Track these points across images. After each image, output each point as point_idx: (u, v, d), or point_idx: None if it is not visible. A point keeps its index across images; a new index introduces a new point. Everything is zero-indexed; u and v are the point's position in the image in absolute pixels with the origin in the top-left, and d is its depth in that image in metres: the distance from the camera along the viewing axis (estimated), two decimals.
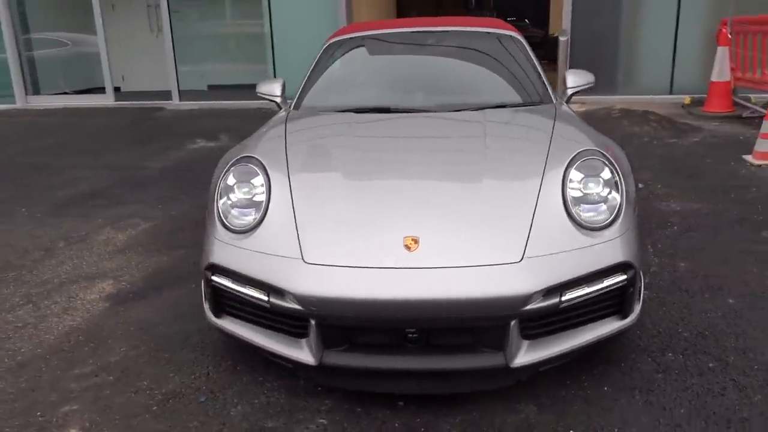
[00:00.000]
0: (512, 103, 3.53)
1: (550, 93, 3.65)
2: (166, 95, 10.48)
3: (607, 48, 9.05)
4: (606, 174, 2.67)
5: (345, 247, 2.42)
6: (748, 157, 5.63)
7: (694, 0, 8.66)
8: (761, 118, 7.09)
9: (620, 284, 2.46)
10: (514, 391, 2.49)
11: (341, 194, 2.64)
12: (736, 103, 7.56)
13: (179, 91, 10.40)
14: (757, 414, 2.36)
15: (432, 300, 2.25)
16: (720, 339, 2.85)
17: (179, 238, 4.37)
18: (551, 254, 2.37)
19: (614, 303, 2.51)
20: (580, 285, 2.38)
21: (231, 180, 2.80)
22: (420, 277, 2.30)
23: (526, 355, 2.35)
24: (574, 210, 2.54)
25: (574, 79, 3.79)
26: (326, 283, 2.33)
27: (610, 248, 2.48)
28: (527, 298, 2.27)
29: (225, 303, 2.65)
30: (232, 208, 2.72)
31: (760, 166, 5.43)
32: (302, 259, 2.41)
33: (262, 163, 2.81)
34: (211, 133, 7.83)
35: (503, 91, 3.66)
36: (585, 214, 2.55)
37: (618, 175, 2.68)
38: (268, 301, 2.42)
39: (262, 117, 8.76)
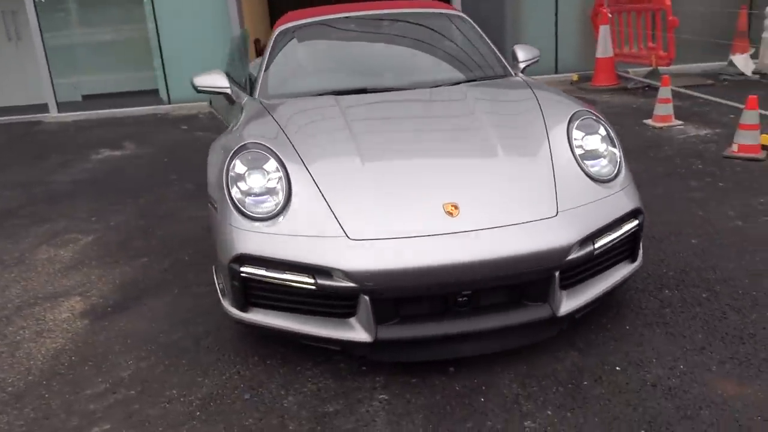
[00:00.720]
0: (480, 76, 3.66)
1: (508, 67, 3.83)
2: (40, 108, 9.59)
3: (494, 31, 9.49)
4: (602, 131, 2.87)
5: (387, 221, 2.42)
6: (649, 121, 6.21)
7: None
8: (645, 87, 7.89)
9: (634, 229, 2.66)
10: (551, 343, 2.61)
11: (365, 173, 2.61)
12: (620, 76, 8.28)
13: (57, 102, 9.56)
14: (761, 328, 2.66)
15: (484, 260, 2.31)
16: (701, 273, 3.17)
17: (134, 247, 4.08)
18: (579, 206, 2.52)
19: (628, 248, 2.72)
20: (606, 233, 2.55)
21: (240, 167, 2.67)
22: (469, 239, 2.35)
23: (567, 304, 2.48)
24: (584, 165, 2.71)
25: (524, 54, 4.00)
26: (378, 256, 2.31)
27: (624, 197, 2.68)
28: (569, 249, 2.40)
29: (256, 294, 2.54)
30: (246, 195, 2.61)
31: (661, 128, 6.01)
32: (347, 236, 2.37)
33: (269, 148, 2.72)
34: (113, 142, 7.30)
35: (467, 66, 3.78)
36: (592, 168, 2.72)
37: (611, 131, 2.89)
38: (315, 283, 2.35)
39: (159, 122, 8.43)
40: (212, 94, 3.82)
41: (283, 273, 2.42)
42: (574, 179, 2.63)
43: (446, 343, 2.43)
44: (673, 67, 8.01)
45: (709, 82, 7.80)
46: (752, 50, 8.20)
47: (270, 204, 2.56)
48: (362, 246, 2.35)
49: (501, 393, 2.36)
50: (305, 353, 2.67)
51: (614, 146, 2.83)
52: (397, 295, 2.36)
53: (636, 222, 2.66)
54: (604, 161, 2.78)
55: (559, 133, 2.83)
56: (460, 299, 2.41)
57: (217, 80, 3.70)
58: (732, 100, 6.66)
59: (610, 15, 8.00)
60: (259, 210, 2.55)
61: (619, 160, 2.79)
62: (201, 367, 2.66)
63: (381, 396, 2.39)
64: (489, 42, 4.01)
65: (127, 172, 5.91)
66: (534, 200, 2.51)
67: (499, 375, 2.46)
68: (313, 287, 2.37)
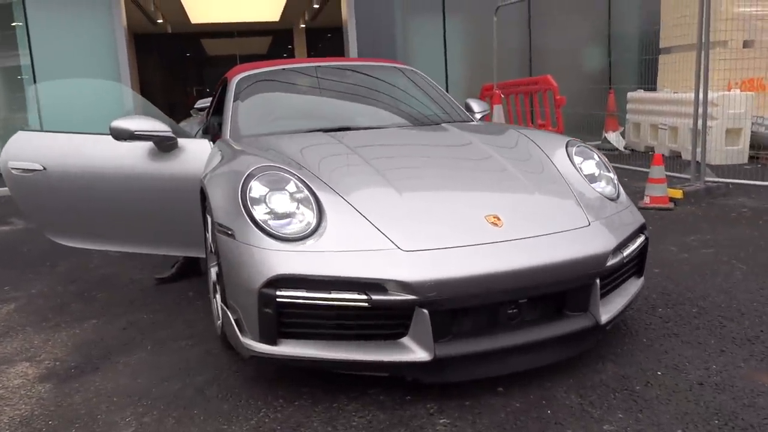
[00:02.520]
0: (447, 120, 3.76)
1: (467, 113, 3.99)
2: None
3: None
4: (596, 157, 3.05)
5: (435, 233, 2.34)
6: None
7: (457, 70, 10.16)
8: None
9: (644, 243, 2.79)
10: (582, 358, 2.59)
11: (400, 195, 2.53)
12: None
13: None
14: (760, 331, 2.84)
15: (538, 266, 2.30)
16: (680, 294, 3.36)
17: (75, 311, 3.56)
18: (605, 218, 2.61)
19: (638, 261, 2.83)
20: (628, 243, 2.65)
21: (259, 189, 2.48)
22: (521, 245, 2.33)
23: (605, 312, 2.51)
24: (591, 185, 2.84)
25: (477, 106, 4.21)
26: (438, 265, 2.21)
27: (632, 213, 2.82)
28: (608, 255, 2.45)
29: (290, 323, 2.29)
30: (269, 218, 2.41)
31: None
32: (398, 248, 2.25)
33: (288, 170, 2.56)
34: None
35: (432, 110, 3.87)
36: (597, 189, 2.86)
37: (602, 158, 3.07)
38: (369, 299, 2.18)
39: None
40: (147, 139, 3.35)
41: (328, 292, 2.22)
42: (589, 196, 2.74)
43: (500, 358, 2.34)
44: None
45: None
46: (621, 129, 9.28)
47: (299, 225, 2.38)
48: (418, 256, 2.24)
49: (564, 404, 2.28)
50: (334, 389, 2.43)
51: (608, 171, 3.01)
52: (457, 306, 2.25)
53: (644, 237, 2.80)
54: (603, 183, 2.93)
55: (561, 157, 2.96)
56: (510, 311, 2.35)
57: (153, 123, 3.33)
58: (628, 164, 7.40)
59: (503, 96, 8.71)
60: (288, 232, 2.36)
61: (615, 182, 2.96)
62: (221, 415, 2.31)
63: (442, 420, 2.21)
64: (444, 92, 4.18)
65: (27, 245, 5.26)
66: (566, 212, 2.57)
67: (551, 389, 2.39)
68: (366, 304, 2.19)
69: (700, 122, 6.04)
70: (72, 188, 3.52)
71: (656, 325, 2.96)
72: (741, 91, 7.80)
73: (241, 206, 2.44)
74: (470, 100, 4.28)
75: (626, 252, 2.61)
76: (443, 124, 3.59)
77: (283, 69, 4.02)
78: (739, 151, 7.64)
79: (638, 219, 2.81)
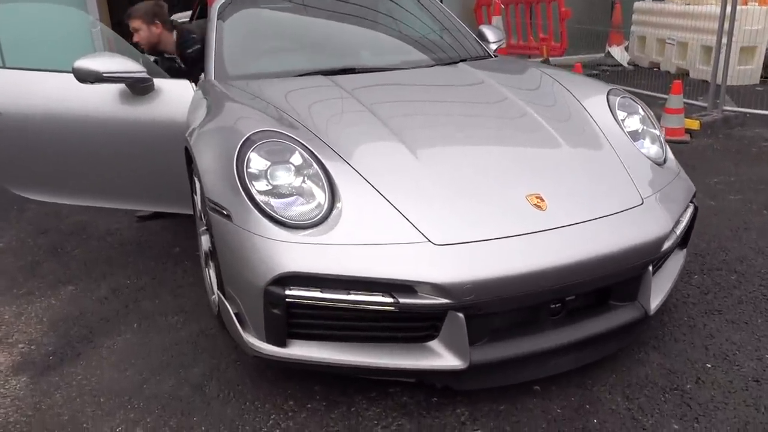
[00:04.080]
0: (464, 56, 3.31)
1: (484, 47, 3.53)
2: None
3: None
4: (641, 111, 2.66)
5: (471, 220, 1.98)
6: None
7: None
8: None
9: (694, 214, 2.47)
10: (622, 348, 2.34)
11: (422, 166, 2.15)
12: None
13: None
14: None
15: (590, 258, 1.97)
16: (714, 255, 3.09)
17: (48, 272, 3.21)
18: (658, 192, 2.27)
19: (687, 232, 2.53)
20: (680, 220, 2.33)
21: (258, 162, 2.08)
22: (570, 235, 1.99)
23: (654, 299, 2.23)
24: (638, 147, 2.47)
25: (492, 35, 3.74)
26: (476, 263, 1.88)
27: (685, 178, 2.49)
28: (665, 238, 2.14)
29: (301, 324, 1.98)
30: (270, 197, 2.03)
31: None
32: (430, 241, 1.90)
33: (290, 137, 2.16)
34: None
35: (447, 44, 3.40)
36: (643, 150, 2.50)
37: (648, 111, 2.69)
38: (396, 303, 1.86)
39: None
40: (118, 81, 2.86)
41: (347, 293, 1.89)
42: (638, 163, 2.38)
43: (540, 359, 2.06)
44: (558, 59, 8.28)
45: (595, 72, 8.17)
46: (626, 43, 8.74)
47: (308, 208, 2.01)
48: (453, 252, 1.89)
49: (610, 409, 2.04)
50: (349, 387, 2.16)
51: (654, 127, 2.64)
52: (499, 309, 1.94)
53: (693, 206, 2.48)
54: (648, 142, 2.56)
55: (601, 111, 2.58)
56: (553, 306, 2.05)
57: (124, 63, 2.81)
58: (636, 85, 6.97)
59: (503, 7, 8.07)
60: (294, 215, 1.99)
61: (662, 140, 2.60)
62: (223, 423, 2.04)
63: (476, 429, 1.97)
64: (458, 20, 3.69)
65: None
66: (615, 187, 2.22)
67: (593, 389, 2.14)
68: (393, 308, 1.87)
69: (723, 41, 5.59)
70: (34, 136, 3.07)
71: (695, 297, 2.71)
72: (759, 4, 7.26)
73: (238, 183, 2.05)
74: (484, 27, 3.80)
75: (679, 229, 2.29)
76: (461, 64, 3.13)
77: None
78: (752, 71, 7.23)
79: (690, 187, 2.48)
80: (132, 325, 2.67)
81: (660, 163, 2.46)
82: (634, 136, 2.54)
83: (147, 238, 3.59)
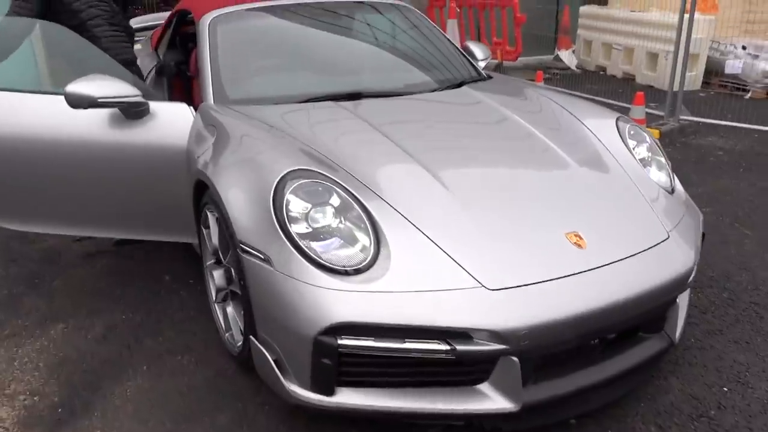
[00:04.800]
0: (461, 77, 3.30)
1: (476, 66, 3.54)
2: None
3: None
4: (648, 139, 2.74)
5: (518, 262, 1.99)
6: None
7: None
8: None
9: (702, 239, 2.58)
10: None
11: (460, 205, 2.14)
12: None
13: None
14: None
15: (631, 296, 2.02)
16: (700, 271, 3.25)
17: (30, 306, 3.00)
18: (679, 223, 2.35)
19: None
20: None
21: (298, 204, 2.02)
22: (613, 274, 2.03)
23: (678, 328, 2.31)
24: (652, 177, 2.55)
25: (480, 52, 3.76)
26: (531, 307, 1.89)
27: (693, 207, 2.59)
28: (692, 269, 2.22)
29: (351, 372, 1.93)
30: (311, 241, 1.98)
31: None
32: (483, 286, 1.90)
33: (327, 176, 2.10)
34: None
35: (442, 64, 3.38)
36: (655, 179, 2.58)
37: (654, 139, 2.78)
38: (452, 350, 1.85)
39: None
40: (113, 106, 2.67)
41: (402, 342, 1.86)
42: (655, 193, 2.46)
43: (581, 395, 2.10)
44: (512, 63, 8.44)
45: (546, 76, 8.37)
46: (574, 47, 9.00)
47: (351, 251, 1.96)
48: (507, 297, 1.89)
49: None
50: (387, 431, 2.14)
51: (660, 154, 2.72)
52: (550, 350, 1.96)
53: (702, 232, 2.58)
54: (655, 169, 2.64)
55: (615, 143, 2.64)
56: (593, 342, 2.09)
57: (120, 86, 2.65)
58: (583, 91, 7.19)
59: (458, 10, 8.12)
60: (339, 260, 1.94)
61: (669, 168, 2.69)
62: None
63: None
64: (443, 34, 3.69)
65: None
66: (640, 220, 2.28)
67: (625, 418, 2.20)
68: (449, 356, 1.86)
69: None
70: (20, 161, 2.85)
71: (695, 317, 2.83)
72: (701, 12, 7.62)
73: (278, 227, 1.98)
74: (471, 44, 3.82)
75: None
76: (465, 88, 3.12)
77: (264, 8, 3.35)
78: (694, 77, 7.60)
79: (698, 213, 2.58)
80: (140, 367, 2.53)
81: (670, 191, 2.55)
82: (644, 164, 2.62)
83: (131, 265, 3.41)
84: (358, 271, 1.92)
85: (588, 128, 2.71)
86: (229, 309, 2.47)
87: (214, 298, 2.63)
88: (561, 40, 8.87)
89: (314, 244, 1.97)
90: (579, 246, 2.07)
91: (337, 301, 1.87)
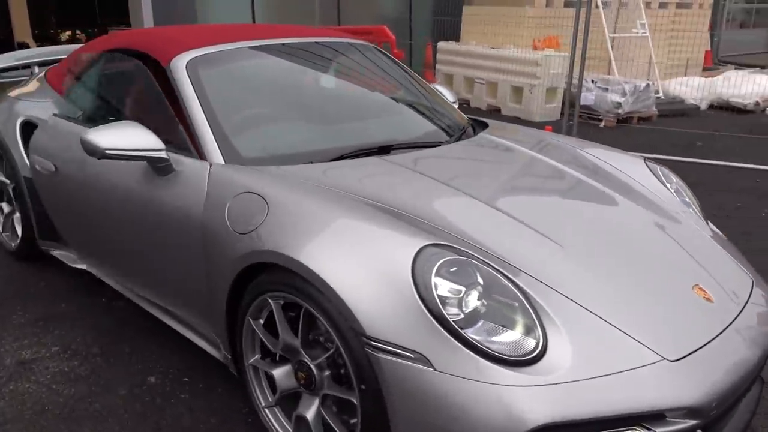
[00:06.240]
0: (465, 125, 3.10)
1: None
2: None
3: None
4: (673, 177, 2.82)
5: (677, 324, 1.89)
6: None
7: (266, 15, 8.99)
8: None
9: None
10: None
11: (585, 266, 2.00)
12: None
13: None
14: None
15: (765, 345, 2.01)
16: None
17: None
18: (745, 265, 2.39)
19: None
20: None
21: (448, 286, 1.72)
22: (743, 326, 2.01)
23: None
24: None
25: (450, 96, 3.68)
26: (711, 374, 1.79)
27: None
28: None
29: None
30: (469, 328, 1.69)
31: None
32: (665, 359, 1.75)
33: (461, 250, 1.82)
34: None
35: (436, 110, 3.18)
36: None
37: (678, 178, 2.85)
38: None
39: None
40: (126, 159, 2.38)
41: None
42: (710, 233, 2.51)
43: None
44: None
45: None
46: (437, 81, 9.31)
47: (513, 337, 1.71)
48: (689, 366, 1.77)
49: None
50: None
51: (686, 193, 2.79)
52: (723, 413, 1.86)
53: None
54: (696, 209, 2.70)
55: (656, 186, 2.67)
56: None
57: (148, 139, 2.34)
58: None
59: None
60: (507, 349, 1.68)
61: (700, 208, 2.76)
62: None
63: None
64: (422, 79, 3.53)
65: None
66: (727, 265, 2.29)
67: None
68: None
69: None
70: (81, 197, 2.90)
71: None
72: (536, 49, 8.31)
73: (431, 317, 1.67)
74: (438, 87, 3.69)
75: None
76: (484, 134, 2.94)
77: (242, 49, 2.89)
78: (553, 109, 8.25)
79: None
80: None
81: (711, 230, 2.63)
82: (687, 206, 2.65)
83: (96, 370, 2.71)
84: (533, 360, 1.67)
85: (627, 174, 2.71)
86: (310, 413, 2.03)
87: (265, 403, 2.17)
88: (426, 74, 9.13)
89: (474, 333, 1.68)
90: (708, 300, 2.02)
91: (529, 400, 1.60)
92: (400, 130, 2.86)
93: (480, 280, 1.76)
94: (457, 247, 1.82)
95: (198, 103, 2.52)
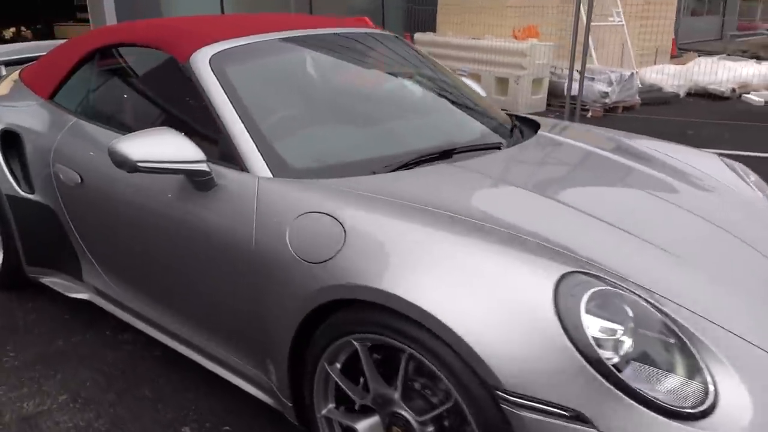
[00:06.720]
0: (510, 123, 2.80)
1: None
2: None
3: None
4: (750, 172, 2.60)
5: None
6: None
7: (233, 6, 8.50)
8: None
9: None
10: None
11: (729, 291, 1.74)
12: None
13: None
14: None
15: None
16: None
17: None
18: None
19: None
20: None
21: (598, 325, 1.42)
22: None
23: None
24: None
25: (479, 89, 3.38)
26: None
27: None
28: None
29: None
30: (636, 378, 1.41)
31: None
32: None
33: (607, 279, 1.52)
34: None
35: (483, 111, 2.82)
36: None
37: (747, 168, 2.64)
38: None
39: None
40: (159, 173, 2.00)
41: None
42: None
43: None
44: None
45: None
46: None
47: (675, 382, 1.43)
48: None
49: None
50: None
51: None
52: None
53: None
54: None
55: (738, 184, 2.44)
56: None
57: (186, 148, 1.97)
58: None
59: None
60: (670, 398, 1.40)
61: None
62: None
63: None
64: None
65: None
66: None
67: None
68: None
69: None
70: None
71: None
72: (517, 38, 8.11)
73: (587, 364, 1.36)
74: (467, 81, 3.39)
75: None
76: (544, 134, 2.63)
77: (272, 41, 2.50)
78: (540, 100, 8.06)
79: None
80: None
81: None
82: None
83: (116, 420, 2.31)
84: (707, 412, 1.39)
85: (707, 173, 2.46)
86: None
87: None
88: None
89: (636, 381, 1.39)
90: None
91: None
92: (455, 131, 2.52)
93: (630, 314, 1.47)
94: (601, 276, 1.52)
95: (231, 106, 2.14)
